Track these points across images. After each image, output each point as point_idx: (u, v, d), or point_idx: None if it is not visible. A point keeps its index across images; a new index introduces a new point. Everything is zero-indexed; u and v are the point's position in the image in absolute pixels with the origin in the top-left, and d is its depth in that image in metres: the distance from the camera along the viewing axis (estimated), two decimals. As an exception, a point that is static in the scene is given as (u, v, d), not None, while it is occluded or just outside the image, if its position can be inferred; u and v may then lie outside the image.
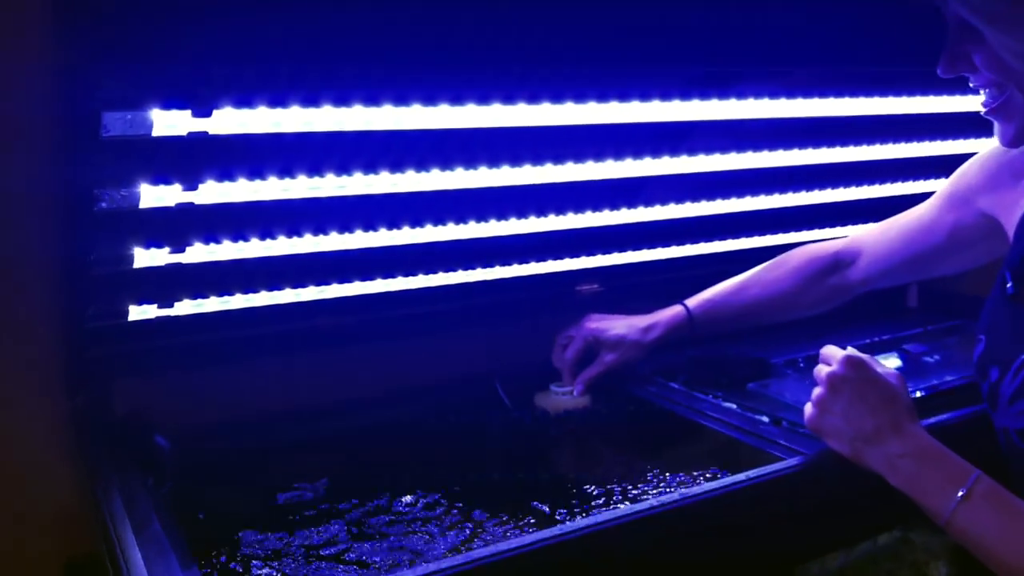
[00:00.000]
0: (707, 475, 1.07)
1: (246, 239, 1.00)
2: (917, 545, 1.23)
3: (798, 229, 1.47)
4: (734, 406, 1.19)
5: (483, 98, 0.94)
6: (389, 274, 1.16)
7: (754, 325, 1.28)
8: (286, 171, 0.93)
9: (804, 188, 1.36)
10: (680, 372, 1.30)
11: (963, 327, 1.55)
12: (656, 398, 1.27)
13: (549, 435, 1.25)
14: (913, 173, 1.47)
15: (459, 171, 1.03)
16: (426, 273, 1.20)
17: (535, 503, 1.01)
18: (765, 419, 1.14)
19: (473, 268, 1.22)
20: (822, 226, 1.49)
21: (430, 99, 0.91)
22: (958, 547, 1.18)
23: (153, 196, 0.89)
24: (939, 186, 1.16)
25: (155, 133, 0.81)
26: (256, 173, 0.92)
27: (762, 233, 1.43)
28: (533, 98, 0.96)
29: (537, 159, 1.06)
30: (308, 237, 1.04)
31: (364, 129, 0.91)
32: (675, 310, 1.25)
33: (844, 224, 1.49)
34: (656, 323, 1.24)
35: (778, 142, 1.21)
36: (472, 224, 1.13)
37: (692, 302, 1.25)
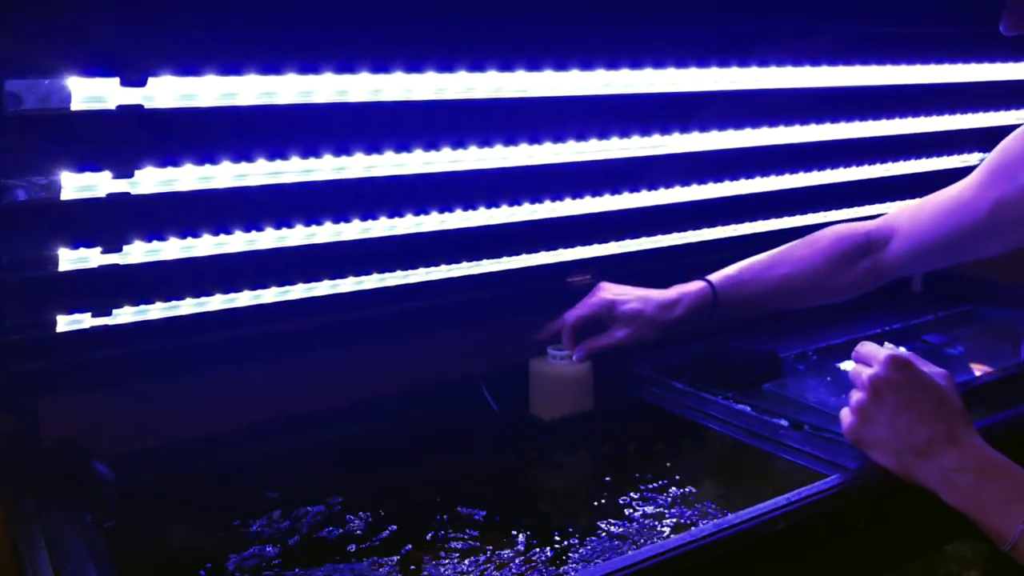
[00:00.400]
0: (723, 490, 0.97)
1: (195, 235, 0.85)
2: (949, 554, 1.15)
3: (817, 210, 1.34)
4: (748, 408, 1.08)
5: (476, 65, 0.80)
6: (363, 271, 1.03)
7: (779, 309, 1.14)
8: (241, 153, 0.78)
9: (827, 166, 1.24)
10: (684, 370, 1.19)
11: (976, 313, 1.46)
12: (660, 400, 1.17)
13: (543, 443, 1.14)
14: (952, 147, 1.35)
15: (445, 151, 0.89)
16: (404, 269, 1.06)
17: (527, 530, 0.89)
18: (784, 423, 1.03)
19: (458, 262, 1.08)
20: (843, 207, 1.36)
21: (414, 66, 0.77)
22: (992, 556, 1.09)
23: (78, 184, 0.74)
24: (980, 161, 1.05)
25: (75, 107, 0.66)
26: (205, 156, 0.77)
27: (778, 216, 1.31)
28: (533, 66, 0.83)
29: (534, 137, 0.92)
30: (269, 231, 0.90)
31: (336, 101, 0.76)
32: (698, 286, 1.10)
33: (870, 204, 1.36)
34: (679, 299, 1.09)
35: (798, 115, 1.09)
36: (458, 212, 0.99)
37: (716, 278, 1.10)
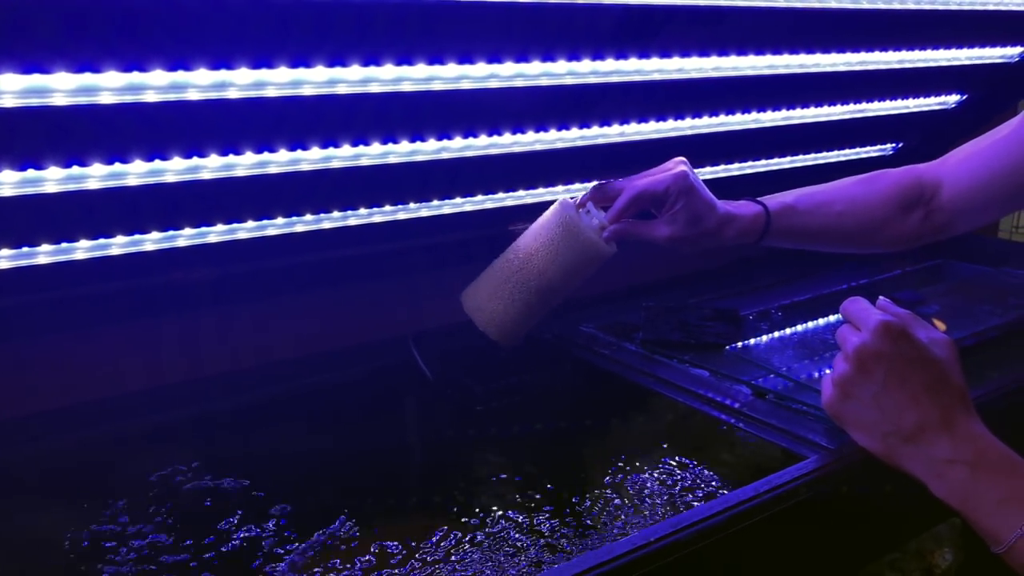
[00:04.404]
0: (677, 465, 0.87)
1: (39, 165, 0.68)
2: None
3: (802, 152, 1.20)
4: (706, 373, 0.97)
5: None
6: (264, 215, 0.87)
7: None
8: (90, 60, 0.61)
9: (814, 103, 1.09)
10: (635, 330, 1.08)
11: (944, 268, 1.37)
12: (608, 363, 1.06)
13: (476, 414, 1.02)
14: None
15: (355, 68, 0.73)
16: (317, 212, 0.90)
17: (455, 519, 0.79)
18: (746, 390, 0.93)
19: (379, 206, 0.92)
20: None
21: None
22: (965, 534, 1.01)
23: None
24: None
25: None
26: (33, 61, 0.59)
27: (755, 158, 1.17)
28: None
29: (465, 56, 0.77)
30: (139, 162, 0.73)
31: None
32: (753, 210, 0.92)
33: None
34: (735, 219, 0.91)
35: (784, 42, 0.94)
36: (376, 145, 0.83)
37: (771, 203, 0.94)
